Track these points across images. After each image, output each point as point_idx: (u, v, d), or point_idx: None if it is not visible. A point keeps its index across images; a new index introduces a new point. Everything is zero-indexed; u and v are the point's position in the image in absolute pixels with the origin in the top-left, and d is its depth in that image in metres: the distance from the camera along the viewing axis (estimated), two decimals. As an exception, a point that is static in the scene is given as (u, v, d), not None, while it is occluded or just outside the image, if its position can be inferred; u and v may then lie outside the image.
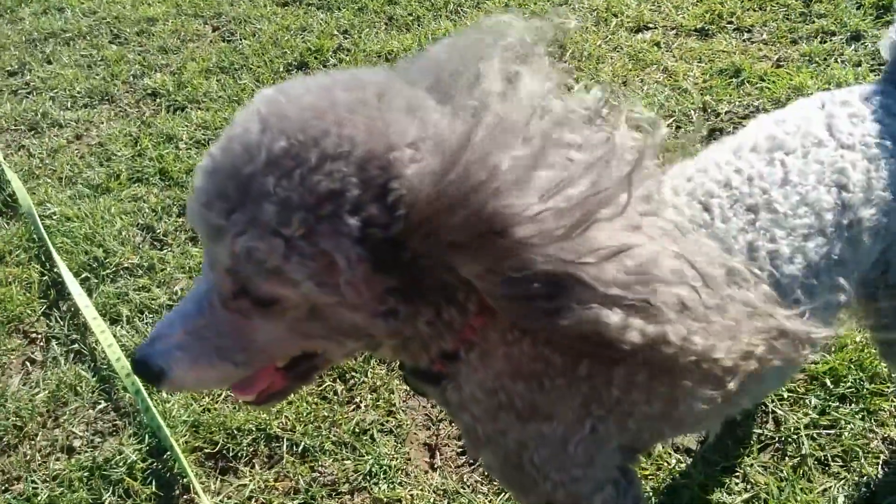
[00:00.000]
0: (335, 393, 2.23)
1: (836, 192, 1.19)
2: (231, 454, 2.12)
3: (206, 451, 2.14)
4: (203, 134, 3.47)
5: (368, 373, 2.26)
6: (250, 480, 2.05)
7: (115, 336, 2.41)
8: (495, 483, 1.93)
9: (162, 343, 0.95)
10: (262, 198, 0.84)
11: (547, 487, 1.21)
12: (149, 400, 2.15)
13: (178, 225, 2.99)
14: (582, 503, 1.25)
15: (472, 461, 2.00)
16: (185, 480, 2.06)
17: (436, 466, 2.01)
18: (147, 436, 2.18)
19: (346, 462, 2.04)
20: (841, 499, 1.73)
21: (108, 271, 2.79)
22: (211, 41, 4.29)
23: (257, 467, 2.09)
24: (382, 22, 4.10)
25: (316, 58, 3.86)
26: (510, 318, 0.94)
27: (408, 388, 2.20)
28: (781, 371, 1.31)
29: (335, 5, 4.34)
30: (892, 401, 1.90)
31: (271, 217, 0.83)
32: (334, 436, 2.11)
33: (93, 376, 2.41)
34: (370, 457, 2.03)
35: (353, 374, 2.26)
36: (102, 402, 2.33)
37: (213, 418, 2.20)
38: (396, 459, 2.02)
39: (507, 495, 1.88)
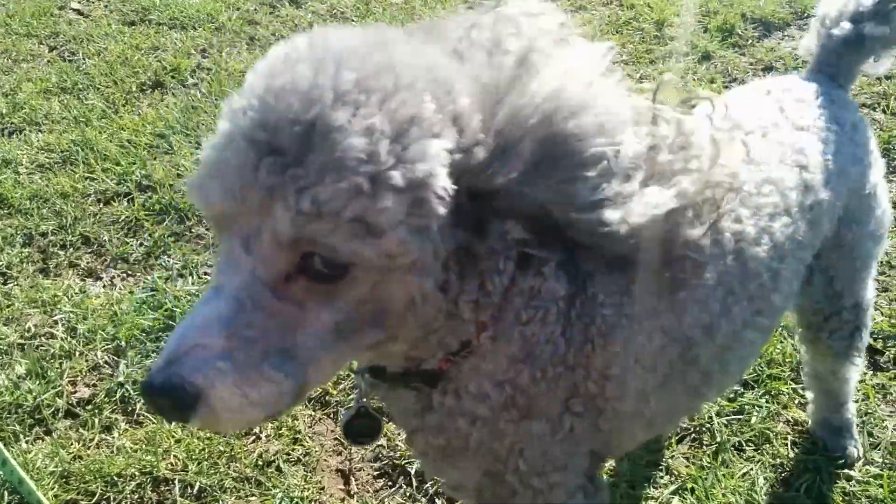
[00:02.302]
0: (230, 425, 2.01)
1: (797, 172, 1.22)
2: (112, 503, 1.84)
3: (82, 503, 1.85)
4: (47, 157, 3.12)
5: (266, 400, 2.06)
6: (138, 532, 1.79)
7: (-47, 383, 2.06)
8: (422, 501, 1.80)
9: (196, 354, 0.74)
10: (337, 135, 0.72)
11: (525, 498, 1.12)
12: (5, 451, 1.83)
13: (23, 256, 2.63)
14: None
15: (391, 483, 1.86)
16: (57, 541, 1.77)
17: (352, 493, 1.86)
18: (6, 492, 1.85)
19: (250, 499, 1.83)
20: (760, 480, 1.77)
21: (-62, 311, 2.40)
22: (48, 61, 3.91)
23: (144, 516, 1.83)
24: (244, 41, 3.93)
25: (173, 76, 3.61)
26: (587, 235, 0.84)
27: (312, 413, 2.04)
28: (743, 359, 1.31)
29: (189, 24, 4.12)
30: (789, 384, 1.99)
31: (353, 152, 0.72)
32: (234, 471, 1.89)
33: (-73, 432, 2.03)
34: (278, 490, 1.84)
35: (250, 402, 2.06)
36: (-58, 460, 1.96)
37: (87, 466, 1.91)
38: (308, 490, 1.84)
39: (434, 515, 1.77)
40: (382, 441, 1.95)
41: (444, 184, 0.77)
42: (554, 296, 0.99)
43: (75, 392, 2.14)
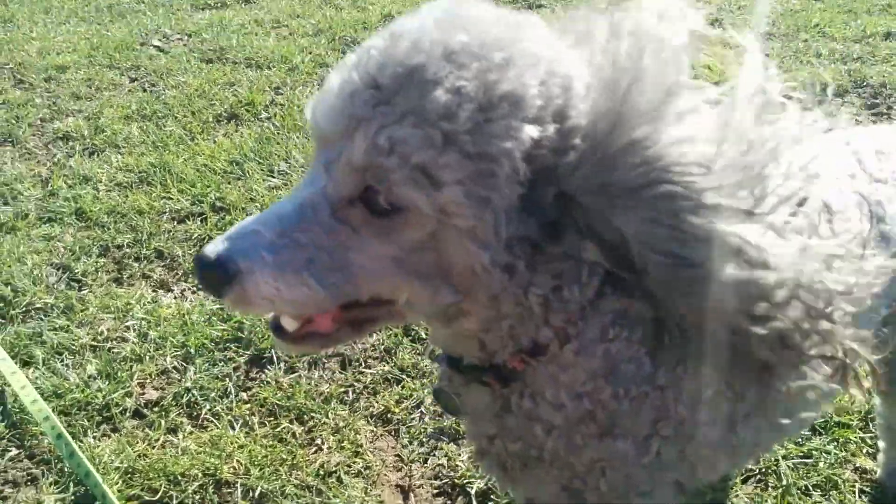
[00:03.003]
0: (293, 435, 2.04)
1: (871, 222, 1.21)
2: (175, 501, 1.87)
3: (145, 499, 1.88)
4: (125, 176, 3.26)
5: (329, 413, 2.09)
6: (199, 530, 1.81)
7: (28, 378, 2.13)
8: (480, 522, 1.80)
9: (248, 240, 0.81)
10: (428, 86, 0.76)
11: None
12: (73, 444, 1.88)
13: (98, 265, 2.73)
14: None
15: (450, 502, 1.86)
16: (120, 532, 1.80)
17: (412, 509, 1.86)
18: (71, 484, 1.90)
19: (311, 506, 1.85)
20: (828, 525, 1.73)
21: (16, 311, 2.49)
22: (129, 91, 4.12)
23: (206, 516, 1.85)
24: (315, 81, 4.09)
25: (248, 110, 3.77)
26: (659, 285, 0.82)
27: (374, 430, 2.06)
28: (829, 392, 1.30)
29: (264, 64, 4.31)
30: (857, 432, 1.96)
31: (436, 105, 0.76)
32: (296, 479, 1.91)
33: (0, 421, 2.09)
34: (338, 500, 1.85)
35: (313, 414, 2.09)
36: (13, 448, 2.01)
37: (152, 464, 1.95)
38: (368, 502, 1.85)
39: (495, 534, 1.76)
40: (443, 460, 1.95)
41: (517, 167, 0.79)
42: (642, 316, 0.97)
43: (144, 394, 2.19)
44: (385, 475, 1.94)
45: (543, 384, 1.00)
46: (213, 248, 0.82)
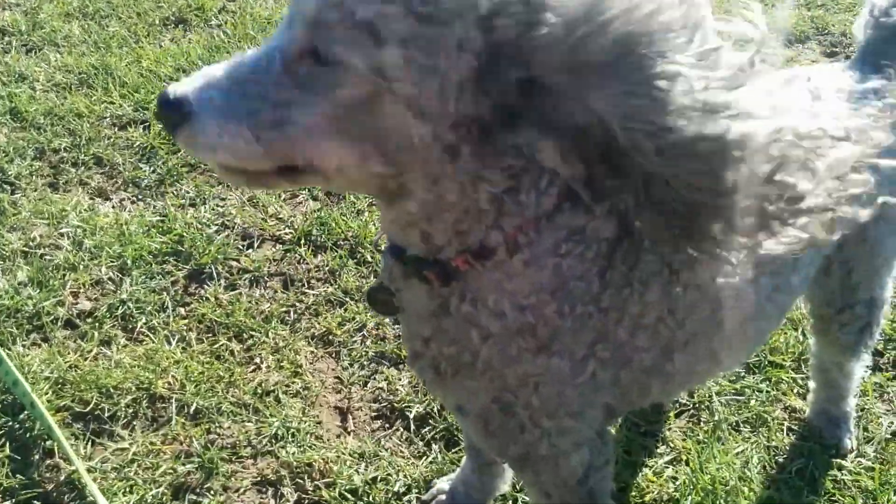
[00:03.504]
0: (231, 353, 2.00)
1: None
2: (106, 415, 1.83)
3: (76, 410, 1.83)
4: (64, 77, 3.08)
5: (269, 332, 2.06)
6: (131, 444, 1.77)
7: (-47, 282, 2.04)
8: (417, 446, 1.80)
9: (204, 82, 0.82)
10: None
11: (532, 437, 1.09)
12: (1, 352, 1.81)
13: (33, 169, 2.60)
14: (560, 460, 1.15)
15: (388, 425, 1.86)
16: (48, 443, 1.75)
17: (349, 430, 1.85)
18: (-1, 392, 1.84)
19: (247, 424, 1.83)
20: (755, 459, 1.78)
21: (-57, 212, 2.37)
22: (71, -15, 3.85)
23: (139, 430, 1.82)
24: (271, -11, 3.88)
25: (197, 15, 3.57)
26: (636, 153, 0.76)
27: (315, 350, 2.03)
28: (759, 333, 1.31)
29: (218, -33, 4.06)
30: (790, 372, 2.00)
31: None
32: (233, 396, 1.88)
33: (-77, 326, 2.01)
34: (275, 419, 1.83)
35: (252, 333, 2.05)
36: (-64, 354, 1.93)
37: (83, 376, 1.89)
38: (305, 422, 1.84)
39: (430, 458, 1.76)
40: (382, 384, 1.94)
41: (470, 34, 0.75)
42: (598, 236, 0.96)
43: (76, 304, 2.12)
44: (324, 396, 1.92)
45: (486, 290, 0.97)
46: (174, 88, 0.83)
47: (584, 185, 0.84)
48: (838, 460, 1.80)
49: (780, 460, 1.81)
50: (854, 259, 1.42)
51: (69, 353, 1.97)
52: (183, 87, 0.82)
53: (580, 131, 0.77)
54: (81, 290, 2.16)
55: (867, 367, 1.92)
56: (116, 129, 2.82)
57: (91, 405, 1.84)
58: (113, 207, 2.49)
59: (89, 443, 1.78)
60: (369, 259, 2.27)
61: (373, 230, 2.36)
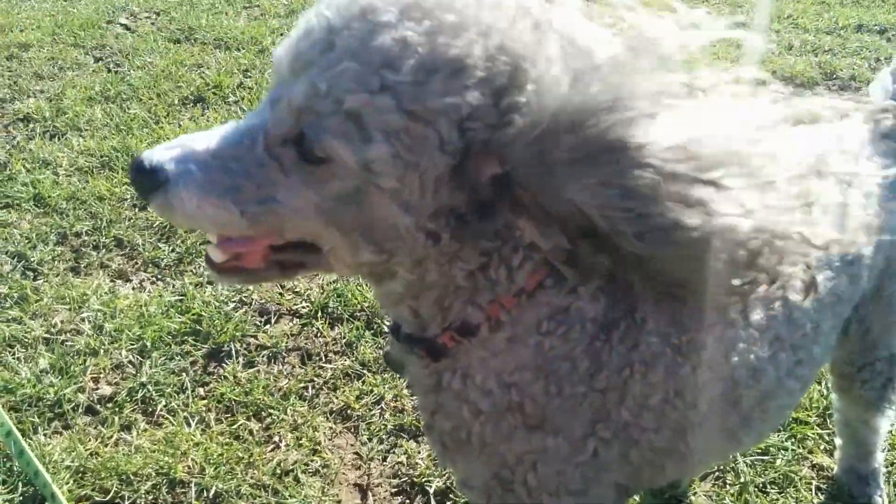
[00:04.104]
0: (250, 432, 2.01)
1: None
2: (126, 502, 1.83)
3: (96, 499, 1.84)
4: (86, 161, 3.18)
5: (288, 410, 2.06)
6: (151, 531, 1.78)
7: (-21, 372, 2.08)
8: (437, 522, 1.78)
9: (181, 153, 0.83)
10: (375, 29, 0.76)
11: None
12: (23, 442, 1.83)
13: (55, 254, 2.67)
14: None
15: (409, 501, 1.84)
16: (69, 534, 1.76)
17: (369, 508, 1.84)
18: (20, 483, 1.85)
19: (266, 506, 1.82)
20: (784, 523, 1.74)
21: (-31, 301, 2.43)
22: (94, 71, 4.02)
23: (158, 517, 1.82)
24: (284, 64, 4.00)
25: (214, 93, 3.69)
26: (617, 237, 0.79)
27: (333, 426, 2.03)
28: (781, 409, 1.29)
29: (233, 45, 4.22)
30: (815, 429, 1.96)
31: (379, 50, 0.75)
32: (252, 478, 1.88)
33: (-51, 418, 2.04)
34: (294, 500, 1.82)
35: (271, 411, 2.06)
36: (-38, 446, 1.96)
37: (103, 463, 1.91)
38: (325, 502, 1.83)
39: (451, 535, 1.74)
40: (402, 458, 1.93)
41: (450, 135, 0.78)
42: (582, 316, 0.96)
43: (97, 389, 2.15)
44: (343, 474, 1.91)
45: (474, 367, 0.99)
46: (150, 155, 0.83)
47: (567, 263, 0.85)
48: (871, 520, 1.74)
49: (811, 523, 1.75)
50: (871, 317, 1.39)
51: (90, 441, 1.98)
52: (158, 156, 0.83)
53: (560, 217, 0.80)
54: (102, 375, 2.19)
55: (893, 421, 1.86)
56: (136, 209, 2.89)
57: (111, 493, 1.85)
58: (133, 289, 2.53)
59: (110, 532, 1.78)
60: (386, 330, 2.28)
61: (387, 300, 2.37)
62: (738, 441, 1.23)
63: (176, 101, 3.65)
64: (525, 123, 0.77)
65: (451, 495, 1.83)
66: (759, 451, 1.90)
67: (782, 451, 1.90)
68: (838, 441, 1.82)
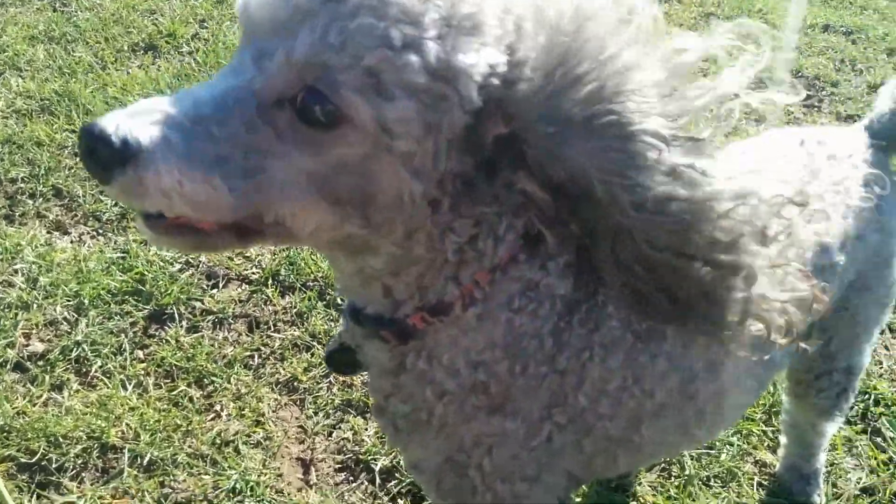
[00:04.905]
0: (190, 399, 1.93)
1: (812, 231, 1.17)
2: (54, 466, 1.74)
3: (21, 461, 1.74)
4: (25, 103, 3.00)
5: (231, 378, 1.98)
6: (79, 497, 1.68)
7: None
8: (381, 501, 1.74)
9: (150, 117, 0.70)
10: None
11: (484, 500, 1.05)
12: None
13: (-13, 199, 2.51)
14: None
15: (352, 478, 1.80)
16: (-10, 497, 1.65)
17: (311, 483, 1.78)
18: (-62, 440, 1.74)
19: (203, 477, 1.75)
20: (726, 517, 1.76)
21: None
22: (38, 9, 3.78)
23: (87, 482, 1.73)
24: (244, 19, 3.84)
25: (167, 42, 3.51)
26: (612, 206, 0.77)
27: (278, 398, 1.96)
28: (737, 407, 1.28)
29: (190, -6, 4.02)
30: (760, 425, 1.99)
31: (400, 7, 0.68)
32: (190, 447, 1.81)
33: None
34: (234, 471, 1.75)
35: (214, 378, 1.98)
36: None
37: (31, 423, 1.80)
38: (265, 475, 1.76)
39: (395, 515, 1.70)
40: (348, 434, 1.88)
41: (471, 93, 0.73)
42: (552, 292, 0.94)
43: (28, 345, 2.03)
44: (286, 447, 1.85)
45: (442, 347, 0.95)
46: (112, 120, 0.69)
47: (549, 227, 0.83)
48: (809, 518, 1.78)
49: (751, 517, 1.78)
50: (834, 327, 1.39)
51: (17, 399, 1.87)
52: (125, 123, 0.69)
53: (554, 180, 0.77)
54: (34, 331, 2.07)
55: (839, 426, 1.90)
56: (78, 158, 2.74)
57: (38, 455, 1.75)
58: (71, 242, 2.40)
59: (34, 496, 1.69)
60: (339, 302, 2.22)
61: (341, 271, 2.31)
62: (691, 435, 1.22)
63: (125, 47, 3.46)
64: (535, 80, 0.73)
65: (396, 474, 1.79)
66: (706, 445, 1.92)
67: (727, 446, 1.92)
68: (783, 440, 1.85)
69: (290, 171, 0.74)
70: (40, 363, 1.98)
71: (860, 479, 1.88)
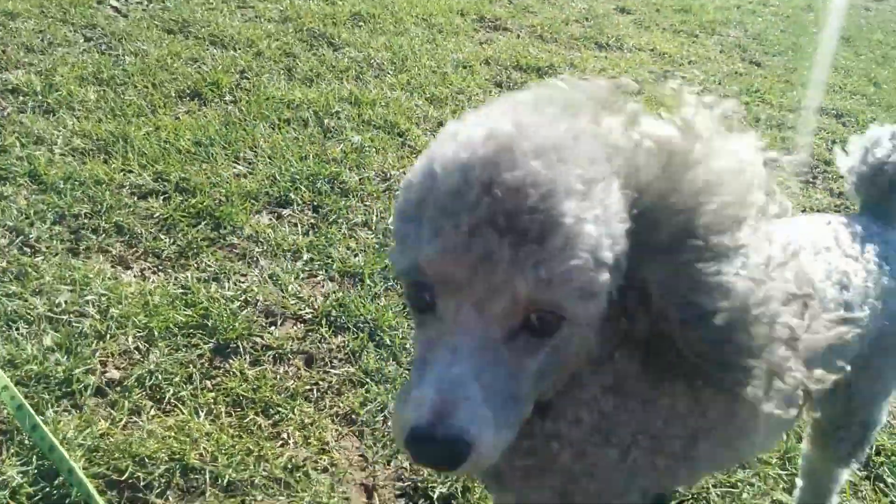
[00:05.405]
0: (259, 427, 2.09)
1: (838, 289, 1.40)
2: (141, 484, 1.88)
3: (111, 478, 1.88)
4: (82, 142, 3.18)
5: (295, 409, 2.15)
6: (166, 514, 1.83)
7: (-17, 343, 2.08)
8: (441, 526, 1.91)
9: (466, 408, 0.83)
10: (569, 223, 0.84)
11: None
12: (36, 417, 1.85)
13: (53, 233, 2.67)
14: None
15: (411, 503, 1.96)
16: (85, 510, 1.79)
17: (375, 508, 1.94)
18: (35, 457, 1.88)
19: (279, 498, 1.90)
20: (750, 550, 1.94)
21: (-34, 271, 2.41)
22: (84, 50, 3.99)
23: (173, 500, 1.87)
24: (282, 70, 4.08)
25: (212, 90, 3.73)
26: (661, 319, 0.98)
27: (339, 429, 2.13)
28: (771, 435, 1.48)
29: (229, 45, 4.26)
30: (776, 469, 2.19)
31: (581, 238, 0.85)
32: (264, 471, 1.96)
33: (-47, 386, 2.03)
34: (306, 494, 1.91)
35: (279, 409, 2.14)
36: (-32, 417, 1.97)
37: (116, 444, 1.95)
38: (334, 498, 1.92)
39: (455, 538, 1.87)
40: (406, 464, 2.05)
41: (621, 256, 0.92)
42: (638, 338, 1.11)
43: (105, 371, 2.18)
44: (350, 473, 2.01)
45: (566, 404, 1.13)
46: (437, 426, 0.82)
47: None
48: (823, 554, 1.97)
49: (772, 551, 1.97)
50: (856, 384, 1.57)
51: (100, 421, 2.02)
52: (447, 421, 0.82)
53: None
54: (109, 359, 2.22)
55: (853, 472, 2.11)
56: (136, 198, 2.92)
57: (126, 474, 1.89)
58: (135, 277, 2.56)
59: (125, 512, 1.83)
60: (388, 342, 2.40)
61: (391, 315, 2.49)
62: (737, 452, 1.41)
63: (172, 93, 3.67)
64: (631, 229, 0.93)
65: (453, 501, 1.96)
66: (728, 484, 2.11)
67: (748, 486, 2.11)
68: (799, 482, 2.04)
69: (530, 377, 0.92)
70: (118, 389, 2.13)
71: (866, 519, 2.08)
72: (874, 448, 2.28)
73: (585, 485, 1.19)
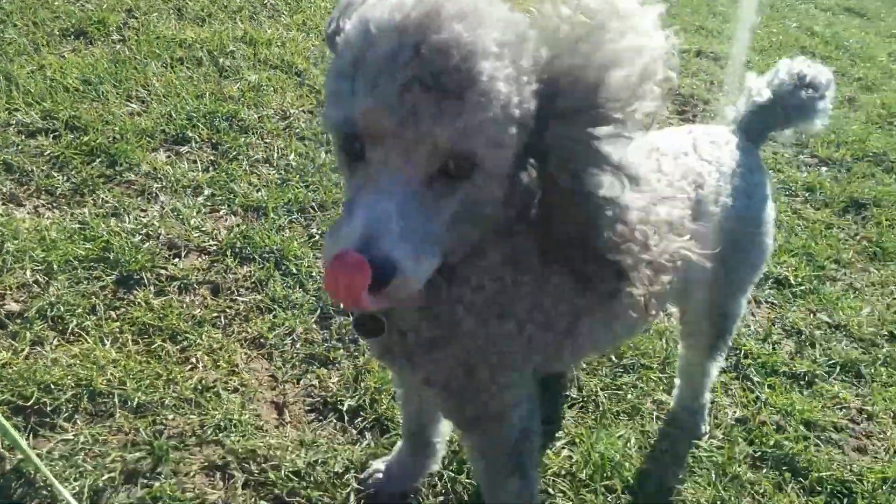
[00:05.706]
0: (167, 353, 2.11)
1: (693, 188, 1.56)
2: (48, 409, 1.88)
3: (16, 404, 1.88)
4: (-41, 81, 3.01)
5: (203, 335, 2.18)
6: (76, 435, 1.84)
7: None
8: (351, 434, 2.00)
9: (388, 237, 0.92)
10: (485, 82, 0.93)
11: (487, 396, 1.35)
12: (-69, 349, 1.83)
13: (-66, 171, 2.55)
14: (505, 415, 1.41)
15: (321, 417, 2.05)
16: (-10, 435, 1.78)
17: (287, 422, 2.02)
18: (-68, 388, 1.85)
19: (190, 416, 1.95)
20: (632, 441, 2.15)
21: None
22: (-45, -13, 3.73)
23: (81, 423, 1.89)
24: (170, 10, 3.97)
25: (98, 29, 3.59)
26: (560, 196, 1.08)
27: (248, 352, 2.18)
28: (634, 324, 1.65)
29: (115, -17, 4.08)
30: (657, 372, 2.40)
31: (495, 95, 0.94)
32: (174, 392, 2.00)
33: None
34: (217, 412, 1.97)
35: (186, 335, 2.17)
36: None
37: (20, 372, 1.94)
38: (245, 415, 1.99)
39: (364, 443, 1.97)
40: (314, 382, 2.13)
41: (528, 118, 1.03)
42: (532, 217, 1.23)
43: (3, 304, 2.14)
44: (261, 392, 2.08)
45: (469, 271, 1.22)
46: (366, 247, 0.91)
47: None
48: (696, 441, 2.20)
49: (652, 442, 2.18)
50: (714, 279, 1.75)
51: (1, 352, 1.99)
52: (372, 247, 0.90)
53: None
54: (7, 293, 2.18)
55: (720, 367, 2.35)
56: (24, 136, 2.82)
57: (31, 400, 1.89)
58: (28, 213, 2.50)
59: (31, 434, 1.83)
60: (294, 271, 2.45)
61: (296, 245, 2.54)
62: (616, 335, 1.57)
63: (55, 32, 3.52)
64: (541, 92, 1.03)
65: (361, 413, 2.06)
66: (615, 387, 2.31)
67: (632, 388, 2.32)
68: (677, 381, 2.27)
69: (445, 220, 1.01)
70: (18, 321, 2.10)
71: (735, 412, 2.33)
72: (742, 352, 2.54)
73: (487, 357, 1.30)
